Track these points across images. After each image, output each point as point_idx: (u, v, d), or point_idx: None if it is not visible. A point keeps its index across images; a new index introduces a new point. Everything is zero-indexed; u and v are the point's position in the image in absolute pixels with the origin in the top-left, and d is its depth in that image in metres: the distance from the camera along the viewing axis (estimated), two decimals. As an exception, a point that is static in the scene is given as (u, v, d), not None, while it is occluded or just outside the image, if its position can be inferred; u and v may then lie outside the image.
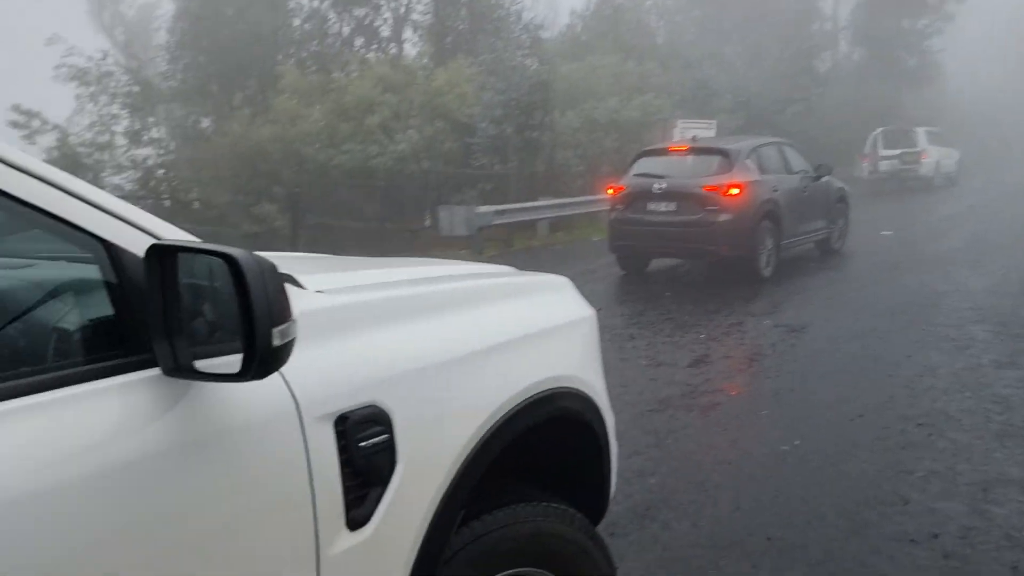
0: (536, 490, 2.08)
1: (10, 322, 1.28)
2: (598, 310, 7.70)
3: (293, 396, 1.40)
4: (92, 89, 19.35)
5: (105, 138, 19.67)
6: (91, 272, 1.25)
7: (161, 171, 19.98)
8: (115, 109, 19.72)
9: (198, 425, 1.26)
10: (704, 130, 16.84)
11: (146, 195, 19.59)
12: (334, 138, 16.83)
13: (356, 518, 1.48)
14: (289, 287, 1.55)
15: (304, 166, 17.35)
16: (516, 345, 1.98)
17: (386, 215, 15.90)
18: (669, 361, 6.40)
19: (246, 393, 1.32)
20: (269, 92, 19.83)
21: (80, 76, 19.19)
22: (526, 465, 2.19)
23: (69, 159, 18.24)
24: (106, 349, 1.24)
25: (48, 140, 18.14)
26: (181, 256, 1.19)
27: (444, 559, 1.72)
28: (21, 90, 19.24)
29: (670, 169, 10.30)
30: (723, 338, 7.22)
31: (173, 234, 1.34)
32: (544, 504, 2.00)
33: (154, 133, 20.72)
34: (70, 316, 1.28)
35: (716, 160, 10.04)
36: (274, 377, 1.38)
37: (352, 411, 1.49)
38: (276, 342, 1.15)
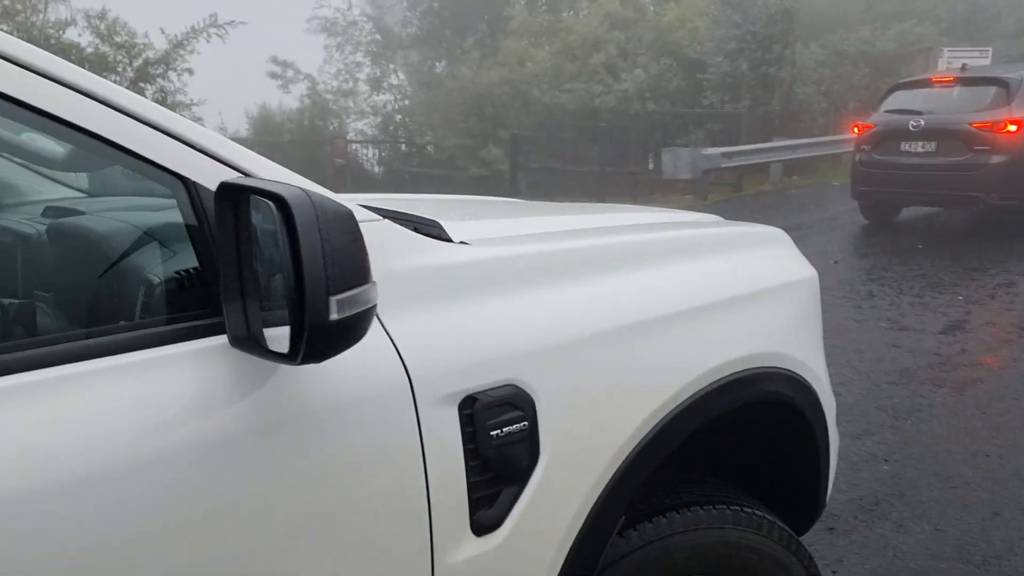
0: (725, 489, 1.71)
1: (101, 273, 1.14)
2: (834, 263, 6.83)
3: (406, 371, 1.15)
4: (339, 39, 20.61)
5: (349, 85, 20.98)
6: (173, 216, 1.07)
7: (399, 116, 21.01)
8: (359, 57, 20.93)
9: (285, 403, 1.05)
10: (977, 59, 14.60)
11: (385, 139, 20.75)
12: (559, 79, 16.61)
13: (484, 521, 1.22)
14: (418, 238, 1.30)
15: (530, 108, 17.33)
16: (709, 313, 1.60)
17: (608, 158, 15.51)
18: (916, 325, 5.55)
19: (344, 366, 1.09)
20: (499, 35, 19.98)
21: (329, 27, 20.49)
22: (715, 458, 1.82)
23: (318, 106, 19.67)
24: (189, 307, 1.05)
25: (300, 89, 19.65)
26: (253, 198, 0.96)
27: (602, 567, 1.43)
28: (277, 43, 20.93)
29: (930, 103, 8.95)
30: (987, 301, 6.17)
31: (268, 171, 1.12)
32: (734, 508, 1.63)
33: (393, 79, 21.76)
34: (156, 268, 1.11)
35: (991, 92, 8.56)
36: (384, 347, 1.15)
37: (484, 391, 1.22)
38: (333, 316, 0.88)
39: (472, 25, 21.85)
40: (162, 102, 9.83)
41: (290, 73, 19.46)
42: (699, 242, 1.78)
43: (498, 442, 1.22)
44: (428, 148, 19.44)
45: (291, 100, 19.93)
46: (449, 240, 1.41)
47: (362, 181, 19.47)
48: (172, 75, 9.86)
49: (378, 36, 21.52)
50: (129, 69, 9.60)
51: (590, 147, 15.77)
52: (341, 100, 20.20)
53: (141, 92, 9.70)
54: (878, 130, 9.17)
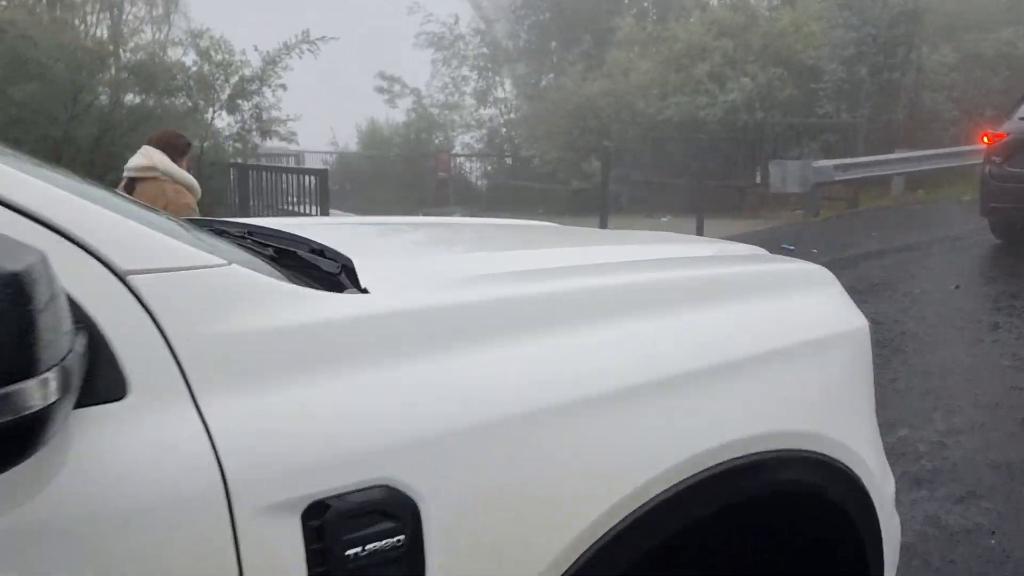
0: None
1: None
2: (954, 288, 6.14)
3: (221, 470, 0.86)
4: (445, 53, 20.78)
5: (455, 99, 21.12)
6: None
7: (503, 129, 20.97)
8: (465, 71, 21.02)
9: (31, 511, 0.78)
10: None
11: (490, 152, 20.77)
12: (664, 90, 16.09)
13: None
14: (278, 289, 1.02)
15: (634, 120, 16.89)
16: (696, 382, 1.24)
17: (713, 171, 14.88)
18: (1047, 365, 4.84)
19: (127, 466, 0.82)
20: (606, 46, 19.64)
21: (436, 42, 20.68)
22: (725, 560, 1.45)
23: (424, 120, 19.88)
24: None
25: (406, 103, 19.91)
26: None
27: None
28: (386, 58, 21.34)
29: (1075, 109, 8.00)
30: None
31: (38, 196, 0.85)
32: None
33: (499, 93, 21.75)
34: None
35: None
36: (194, 439, 0.86)
37: (341, 495, 0.92)
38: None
39: (579, 37, 21.57)
40: (257, 118, 10.08)
41: (397, 88, 19.77)
42: (702, 286, 1.41)
43: (359, 563, 0.92)
44: (533, 161, 19.24)
45: (398, 114, 20.28)
46: (350, 286, 1.13)
47: (466, 194, 19.54)
48: (267, 91, 10.11)
49: (485, 50, 21.56)
50: (227, 86, 9.90)
51: (694, 160, 15.18)
52: (446, 114, 20.36)
53: (238, 108, 9.99)
54: (1012, 139, 8.27)
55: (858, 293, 7.43)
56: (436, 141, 20.12)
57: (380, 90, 19.71)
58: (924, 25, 14.60)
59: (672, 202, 15.76)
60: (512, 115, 21.40)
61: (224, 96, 9.79)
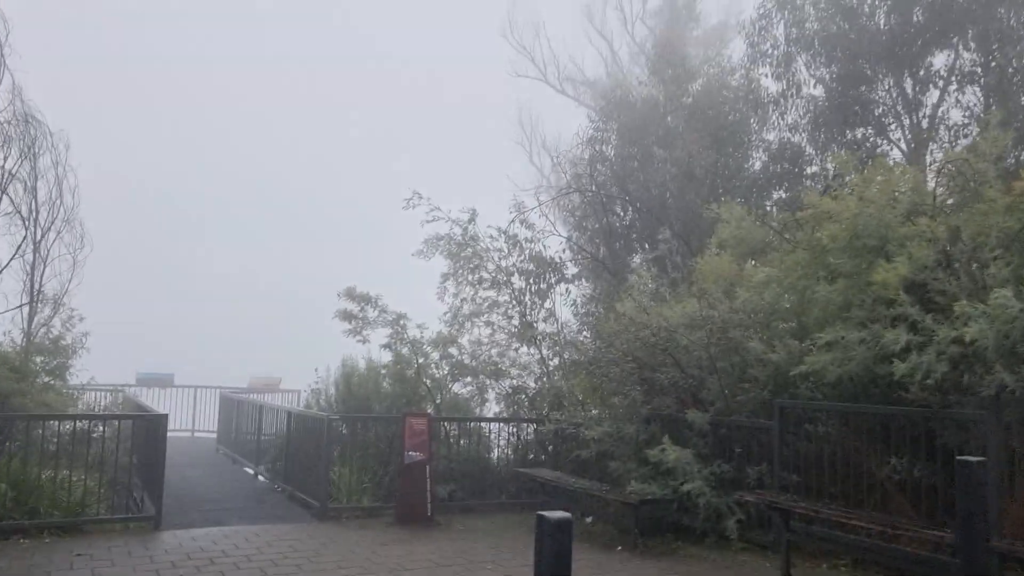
0: None
1: None
2: None
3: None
4: (456, 265, 13.89)
5: (477, 333, 13.89)
6: None
7: (536, 383, 13.32)
8: (484, 290, 13.93)
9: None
10: None
11: (508, 417, 12.96)
12: (801, 319, 8.19)
13: None
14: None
15: (742, 375, 8.91)
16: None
17: (904, 502, 6.53)
18: None
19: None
20: (704, 247, 12.23)
21: (444, 246, 13.89)
22: None
23: (404, 361, 12.60)
24: None
25: (381, 336, 12.71)
26: None
27: None
28: (372, 270, 14.80)
29: None
30: None
31: None
32: None
33: (542, 325, 14.34)
34: None
35: None
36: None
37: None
38: None
39: (655, 237, 14.30)
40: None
41: (372, 312, 12.82)
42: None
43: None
44: (589, 437, 11.25)
45: (366, 351, 13.12)
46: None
47: (470, 491, 11.48)
48: None
49: (528, 264, 14.64)
50: None
51: (879, 461, 6.89)
52: (451, 355, 13.06)
53: None
54: None
55: None
56: (432, 398, 12.64)
57: (346, 316, 12.71)
58: None
59: (829, 551, 7.31)
60: (561, 357, 13.80)
61: None
